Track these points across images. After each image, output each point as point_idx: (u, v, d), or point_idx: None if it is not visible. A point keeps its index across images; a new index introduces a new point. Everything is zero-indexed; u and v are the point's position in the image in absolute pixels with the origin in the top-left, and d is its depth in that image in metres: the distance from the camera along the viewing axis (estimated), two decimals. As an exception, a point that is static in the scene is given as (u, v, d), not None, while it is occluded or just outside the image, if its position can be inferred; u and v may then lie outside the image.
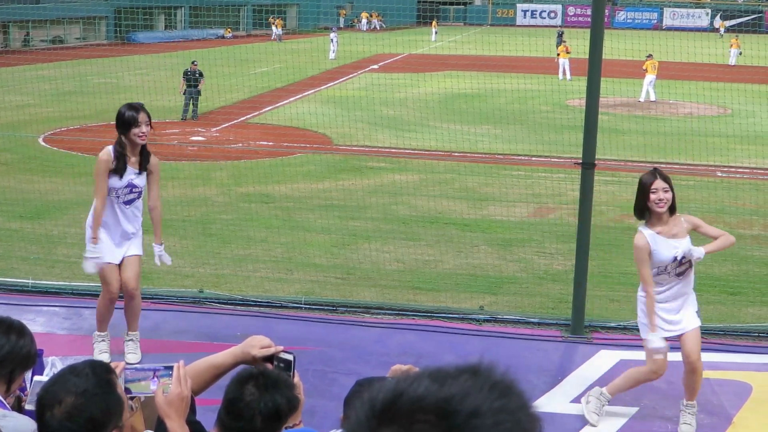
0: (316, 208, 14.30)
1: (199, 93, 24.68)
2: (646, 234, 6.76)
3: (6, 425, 3.31)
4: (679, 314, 6.86)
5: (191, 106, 24.60)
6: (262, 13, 52.10)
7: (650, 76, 29.51)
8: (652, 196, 6.70)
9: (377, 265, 11.22)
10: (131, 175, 7.63)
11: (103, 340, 8.07)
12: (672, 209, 6.79)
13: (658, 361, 6.87)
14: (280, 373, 3.26)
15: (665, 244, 6.72)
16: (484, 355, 7.59)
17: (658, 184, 6.69)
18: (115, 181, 7.60)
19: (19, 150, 18.92)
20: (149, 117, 7.59)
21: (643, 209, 6.80)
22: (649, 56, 29.12)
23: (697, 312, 6.92)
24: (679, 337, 6.94)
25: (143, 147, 7.65)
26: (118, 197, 7.66)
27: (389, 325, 9.04)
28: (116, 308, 8.12)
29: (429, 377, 1.30)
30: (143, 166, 7.68)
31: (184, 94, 24.49)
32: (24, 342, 3.62)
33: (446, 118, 24.65)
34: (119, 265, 7.84)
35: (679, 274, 6.78)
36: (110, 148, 7.61)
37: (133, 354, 7.99)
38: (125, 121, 7.51)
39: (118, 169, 7.56)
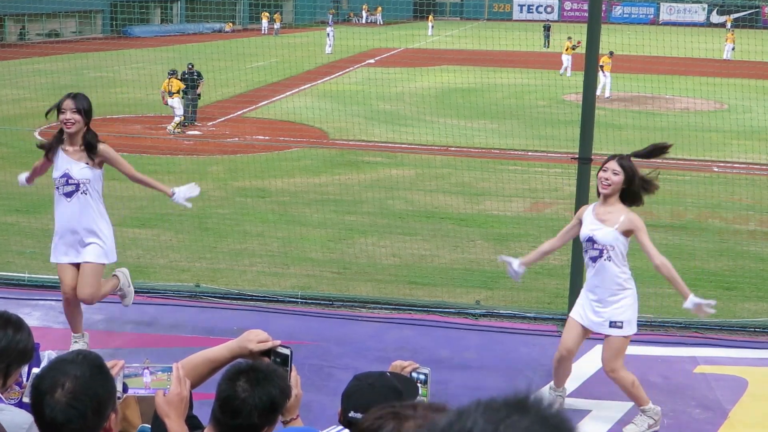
0: (312, 202, 14.30)
1: (198, 96, 23.59)
2: (589, 206, 6.79)
3: (3, 418, 3.30)
4: (586, 307, 6.75)
5: (191, 109, 23.56)
6: (258, 7, 52.01)
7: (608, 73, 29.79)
8: (600, 174, 6.60)
9: (373, 260, 11.21)
10: (68, 165, 7.35)
11: (76, 342, 7.81)
12: (629, 200, 6.62)
13: (563, 336, 6.95)
14: (269, 365, 3.26)
15: (590, 220, 6.66)
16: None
17: (611, 164, 6.57)
18: (53, 171, 7.44)
19: (16, 144, 18.88)
20: (80, 106, 7.28)
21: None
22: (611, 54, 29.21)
23: (613, 323, 6.64)
24: None
25: (87, 137, 7.37)
26: (57, 188, 7.43)
27: (385, 319, 9.04)
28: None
29: (482, 416, 1.29)
30: (91, 158, 7.37)
31: (183, 97, 23.17)
32: (21, 337, 3.61)
33: (443, 113, 24.64)
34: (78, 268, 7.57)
35: (592, 259, 6.64)
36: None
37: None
38: (57, 108, 7.36)
39: (50, 157, 7.43)
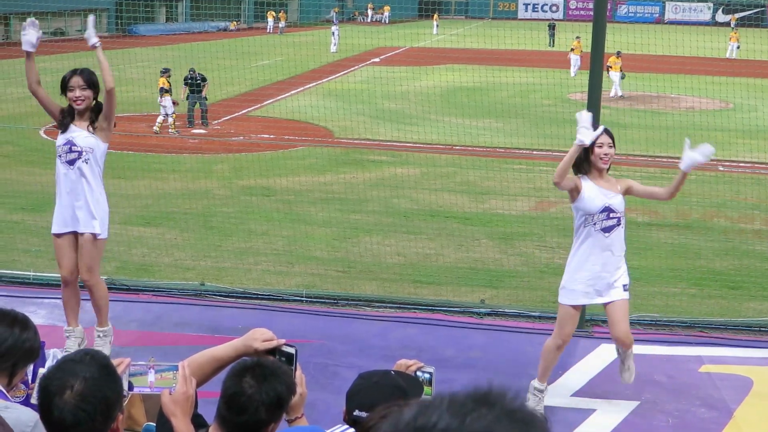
0: (317, 201, 14.30)
1: (205, 98, 23.08)
2: (583, 178, 6.69)
3: (8, 416, 3.30)
4: (603, 282, 6.74)
5: (201, 112, 23.16)
6: (264, 5, 52.00)
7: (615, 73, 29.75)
8: (597, 150, 6.60)
9: (378, 259, 11.21)
10: (72, 133, 7.33)
11: (68, 337, 7.71)
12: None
13: (564, 328, 6.90)
14: (275, 361, 3.26)
15: (598, 191, 6.65)
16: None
17: (604, 138, 6.60)
18: (58, 139, 7.42)
19: (21, 142, 18.92)
20: (87, 82, 7.26)
21: (581, 163, 6.69)
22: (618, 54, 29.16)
23: (625, 286, 6.79)
24: (607, 313, 6.93)
25: (95, 110, 7.37)
26: (60, 156, 7.39)
27: (390, 318, 9.04)
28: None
29: (448, 409, 1.27)
30: (93, 122, 7.36)
31: (186, 99, 22.92)
32: (27, 335, 3.61)
33: (447, 112, 24.63)
34: (76, 248, 7.52)
35: (605, 230, 6.66)
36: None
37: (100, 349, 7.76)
38: (62, 85, 7.32)
39: (61, 125, 7.38)
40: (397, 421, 1.29)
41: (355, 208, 13.92)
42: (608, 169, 6.79)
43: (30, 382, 3.99)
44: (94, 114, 7.40)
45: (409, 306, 9.34)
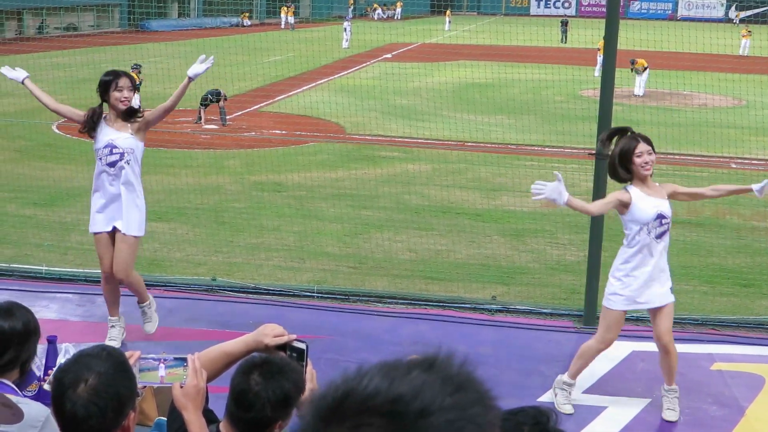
0: (328, 197, 14.31)
1: (225, 98, 22.66)
2: (630, 189, 6.73)
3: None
4: (652, 287, 6.76)
5: (219, 113, 22.60)
6: (276, 1, 52.07)
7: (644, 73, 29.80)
8: (638, 160, 6.64)
9: (389, 255, 11.22)
10: (112, 135, 7.49)
11: (113, 326, 7.97)
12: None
13: (610, 333, 6.88)
14: (283, 358, 3.26)
15: (648, 200, 6.70)
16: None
17: (643, 147, 6.65)
18: (95, 142, 7.56)
19: (33, 137, 18.97)
20: (132, 82, 7.51)
21: (623, 174, 6.74)
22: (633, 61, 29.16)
23: (671, 288, 6.82)
24: (651, 314, 6.92)
25: (130, 110, 7.55)
26: (100, 159, 7.54)
27: (401, 314, 9.04)
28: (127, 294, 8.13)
29: (380, 373, 1.25)
30: (133, 124, 7.54)
31: (202, 105, 22.35)
32: (9, 323, 3.59)
33: (459, 108, 24.60)
34: (113, 244, 7.70)
35: (658, 236, 6.71)
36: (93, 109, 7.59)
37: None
38: (108, 84, 7.41)
39: (91, 128, 7.51)
40: (329, 386, 1.27)
41: (367, 204, 13.92)
42: (651, 175, 6.80)
43: (42, 376, 4.00)
44: (130, 112, 7.57)
45: (420, 302, 9.33)
